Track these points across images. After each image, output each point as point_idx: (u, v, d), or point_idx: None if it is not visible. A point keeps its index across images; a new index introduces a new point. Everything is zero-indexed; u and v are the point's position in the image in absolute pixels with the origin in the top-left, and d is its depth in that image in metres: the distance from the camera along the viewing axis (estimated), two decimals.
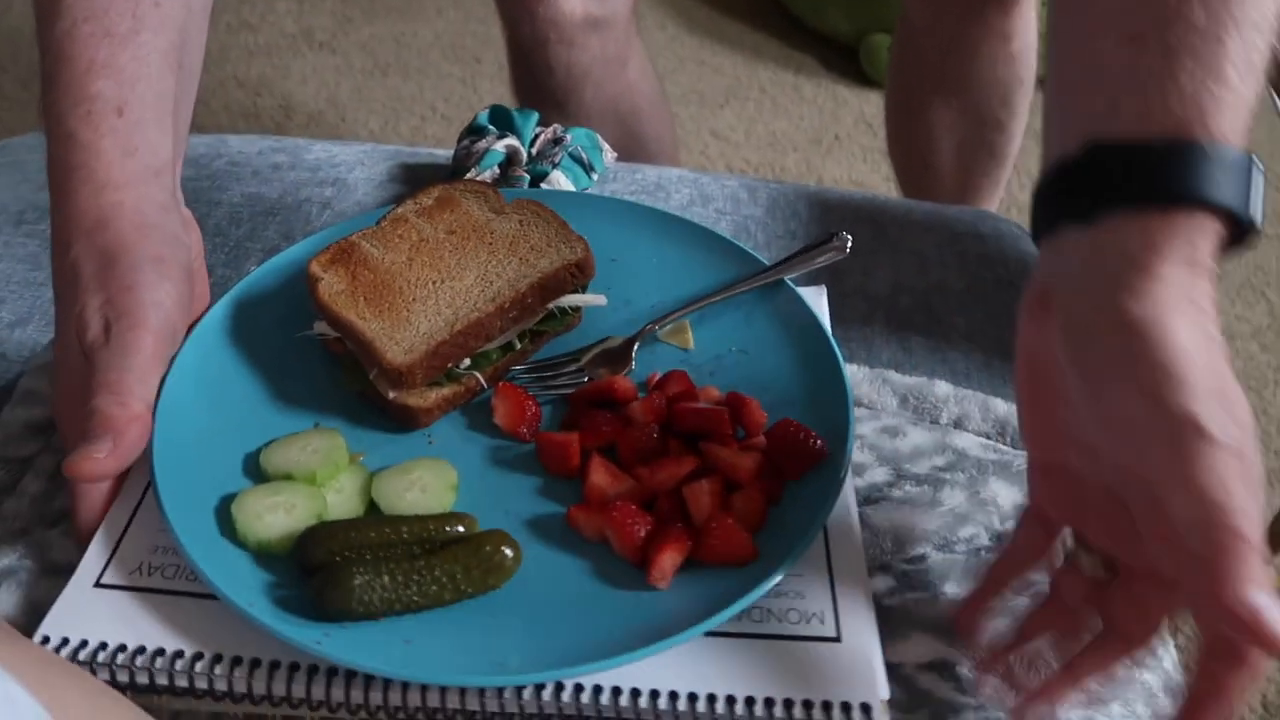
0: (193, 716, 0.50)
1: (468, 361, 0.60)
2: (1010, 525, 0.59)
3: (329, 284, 0.60)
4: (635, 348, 0.64)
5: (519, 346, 0.62)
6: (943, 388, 0.68)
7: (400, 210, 0.65)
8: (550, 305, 0.63)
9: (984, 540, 0.58)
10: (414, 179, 0.88)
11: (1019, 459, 0.63)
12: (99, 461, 0.50)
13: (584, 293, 0.65)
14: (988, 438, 0.66)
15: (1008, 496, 0.60)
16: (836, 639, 0.51)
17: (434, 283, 0.60)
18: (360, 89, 2.17)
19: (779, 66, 2.26)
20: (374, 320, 0.58)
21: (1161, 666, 0.58)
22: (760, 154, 2.04)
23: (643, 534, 0.52)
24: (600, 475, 0.55)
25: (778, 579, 0.50)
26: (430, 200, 0.66)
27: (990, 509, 0.60)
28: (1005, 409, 0.67)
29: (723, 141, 2.07)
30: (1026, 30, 1.18)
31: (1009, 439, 0.66)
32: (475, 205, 0.65)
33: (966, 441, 0.64)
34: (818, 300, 0.70)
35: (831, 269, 0.70)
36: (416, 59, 2.26)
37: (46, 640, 0.48)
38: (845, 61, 2.23)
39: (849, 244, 0.68)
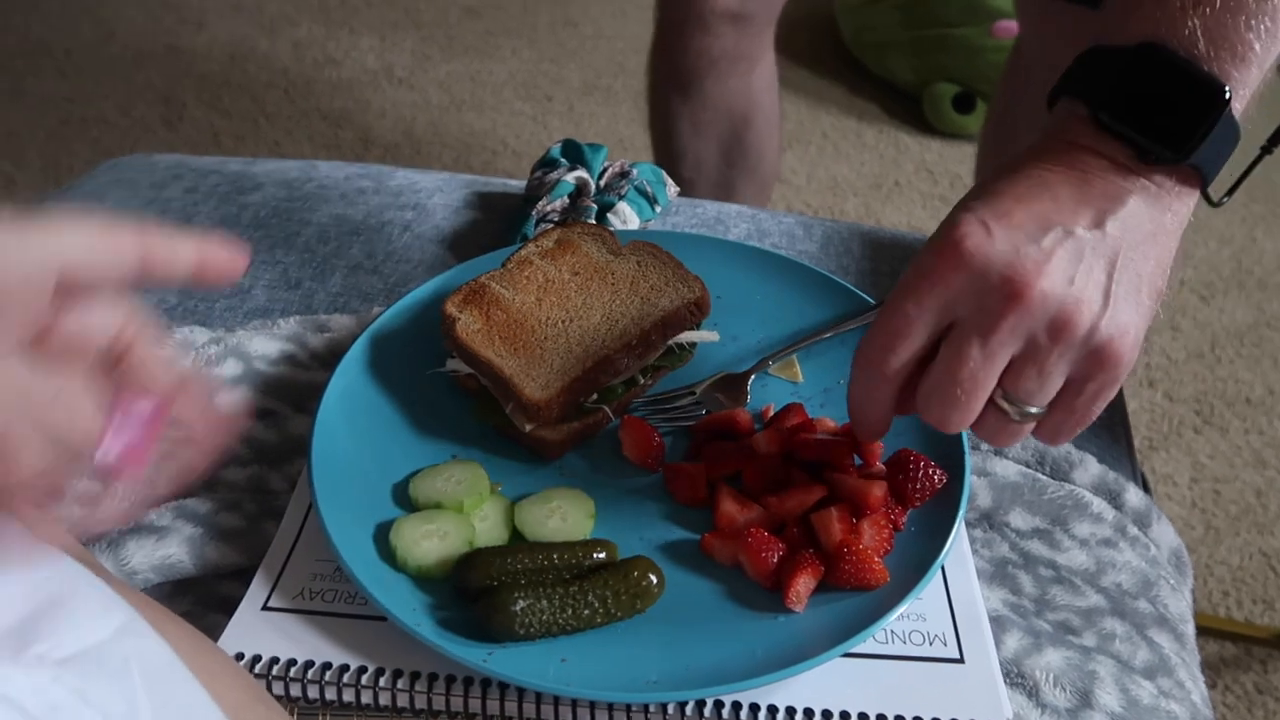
0: None
1: (595, 396, 0.63)
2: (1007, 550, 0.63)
3: (465, 324, 0.64)
4: (750, 382, 0.67)
5: (641, 381, 0.66)
6: None
7: (523, 253, 0.69)
8: (670, 341, 0.66)
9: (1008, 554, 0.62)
10: (488, 206, 0.93)
11: (1054, 488, 0.66)
12: None
13: (699, 329, 0.68)
14: (1027, 465, 0.68)
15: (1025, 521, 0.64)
16: (960, 660, 0.54)
17: (563, 322, 0.64)
18: (435, 124, 2.25)
19: (842, 112, 2.28)
20: (510, 358, 0.62)
21: (1190, 699, 0.60)
22: (820, 197, 2.07)
23: (776, 559, 0.54)
24: (730, 504, 0.58)
25: (909, 603, 0.53)
26: (550, 243, 0.70)
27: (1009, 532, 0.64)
28: None
29: (784, 184, 2.07)
30: None
31: (1048, 468, 0.68)
32: (593, 247, 0.69)
33: (1005, 468, 0.67)
34: None
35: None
36: (491, 96, 2.34)
37: None
38: (907, 109, 2.25)
39: None
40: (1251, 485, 1.54)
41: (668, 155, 1.39)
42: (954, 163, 2.15)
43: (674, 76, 1.30)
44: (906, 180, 2.11)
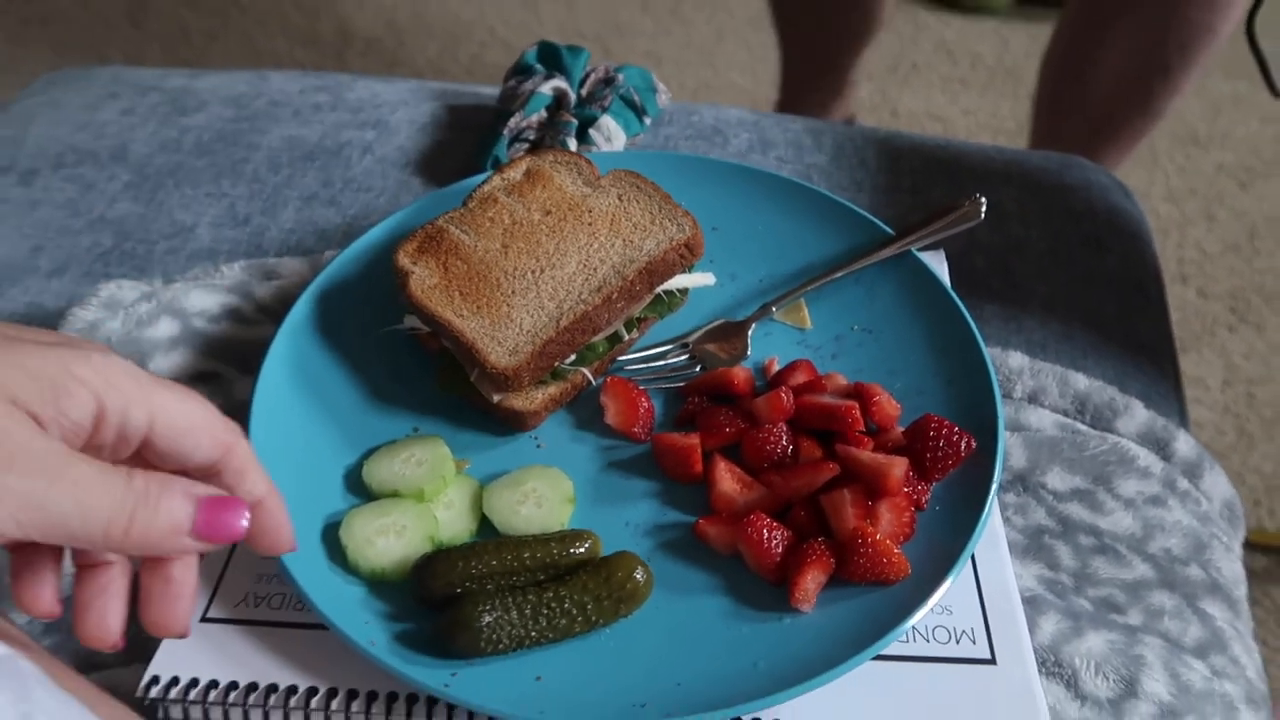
0: None
1: (573, 356, 0.55)
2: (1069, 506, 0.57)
3: (420, 278, 0.55)
4: (751, 331, 0.59)
5: (625, 337, 0.58)
6: (1017, 359, 0.63)
7: (487, 188, 0.60)
8: (658, 289, 0.58)
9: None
10: (459, 122, 0.84)
11: (1096, 441, 0.59)
12: None
13: (691, 272, 0.60)
14: (1065, 415, 0.61)
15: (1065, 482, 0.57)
16: (991, 660, 0.47)
17: (534, 272, 0.55)
18: (419, 13, 2.12)
19: None
20: (473, 318, 0.54)
21: (1244, 675, 0.53)
22: None
23: (780, 550, 0.47)
24: (728, 483, 0.50)
25: (934, 600, 0.46)
26: (518, 175, 0.61)
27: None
28: (1086, 384, 0.62)
29: None
30: None
31: (1088, 417, 0.61)
32: (568, 179, 0.60)
33: (1041, 419, 0.60)
34: (938, 268, 0.64)
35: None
36: None
37: (156, 681, 0.46)
38: None
39: (984, 208, 0.61)
40: None
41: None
42: (975, 41, 2.00)
43: None
44: (925, 62, 1.97)
